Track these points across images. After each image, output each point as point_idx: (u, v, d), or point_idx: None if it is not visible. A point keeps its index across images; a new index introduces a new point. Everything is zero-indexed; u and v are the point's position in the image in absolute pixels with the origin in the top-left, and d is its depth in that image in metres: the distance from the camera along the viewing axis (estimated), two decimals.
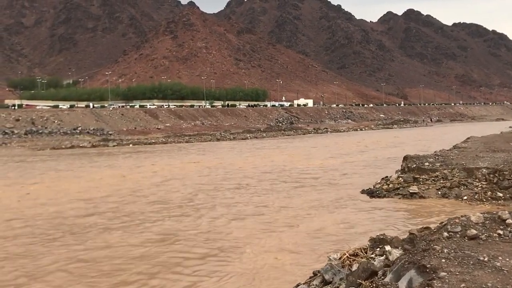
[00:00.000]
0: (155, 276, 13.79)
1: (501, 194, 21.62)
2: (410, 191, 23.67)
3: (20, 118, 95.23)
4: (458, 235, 8.49)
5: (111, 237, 18.21)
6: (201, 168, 41.73)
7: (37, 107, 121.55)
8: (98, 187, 31.63)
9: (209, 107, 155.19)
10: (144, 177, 36.42)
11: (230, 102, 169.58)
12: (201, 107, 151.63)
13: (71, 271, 14.35)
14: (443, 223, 9.14)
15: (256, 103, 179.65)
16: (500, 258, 7.40)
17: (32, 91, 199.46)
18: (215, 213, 22.51)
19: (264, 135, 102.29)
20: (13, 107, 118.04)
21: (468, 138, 44.79)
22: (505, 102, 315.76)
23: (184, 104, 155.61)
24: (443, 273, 6.89)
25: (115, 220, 21.28)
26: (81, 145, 77.59)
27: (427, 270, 7.11)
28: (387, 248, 9.12)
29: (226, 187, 30.76)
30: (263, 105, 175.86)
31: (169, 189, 30.26)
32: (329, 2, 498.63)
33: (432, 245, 8.08)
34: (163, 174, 38.03)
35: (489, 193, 21.95)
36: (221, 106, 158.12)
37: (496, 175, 22.79)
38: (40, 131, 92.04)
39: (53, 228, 19.97)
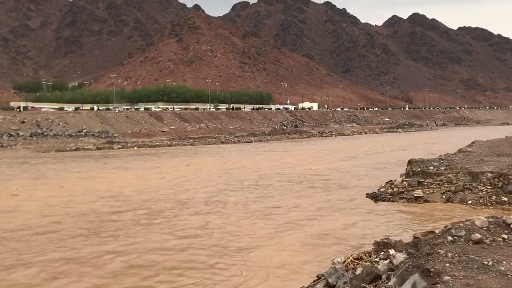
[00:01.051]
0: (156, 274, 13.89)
1: (506, 199, 21.56)
2: (415, 195, 23.63)
3: (26, 120, 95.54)
4: (462, 239, 8.48)
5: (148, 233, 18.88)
6: (216, 170, 42.15)
7: (43, 110, 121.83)
8: (125, 187, 32.47)
9: (214, 110, 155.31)
10: (164, 178, 37.41)
11: (235, 105, 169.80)
12: (205, 110, 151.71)
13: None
14: (448, 227, 9.12)
15: (260, 106, 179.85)
16: (504, 262, 7.38)
17: (38, 94, 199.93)
18: (231, 212, 23.23)
19: (269, 138, 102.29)
20: (18, 109, 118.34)
21: (473, 142, 44.66)
22: (510, 106, 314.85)
23: (189, 107, 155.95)
24: (447, 277, 6.88)
25: (148, 217, 21.99)
26: (86, 147, 77.71)
27: (431, 274, 7.11)
28: (391, 252, 9.12)
29: (241, 187, 31.53)
30: (268, 108, 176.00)
31: (188, 189, 30.60)
32: (334, 5, 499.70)
33: (436, 249, 8.07)
34: (180, 176, 38.40)
35: (493, 197, 21.90)
36: (225, 109, 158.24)
37: (501, 179, 22.74)
38: (45, 133, 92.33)
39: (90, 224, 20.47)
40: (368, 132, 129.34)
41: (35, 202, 26.77)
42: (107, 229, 19.89)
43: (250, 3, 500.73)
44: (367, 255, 10.10)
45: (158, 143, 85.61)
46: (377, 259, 9.45)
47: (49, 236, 18.80)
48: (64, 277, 14.04)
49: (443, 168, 26.08)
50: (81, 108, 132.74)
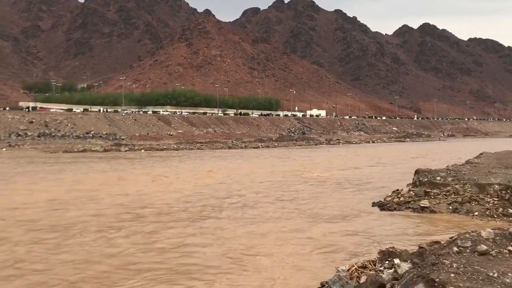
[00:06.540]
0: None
1: None
2: (421, 205, 23.52)
3: (34, 120, 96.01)
4: (468, 250, 8.44)
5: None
6: (240, 173, 42.92)
7: (51, 110, 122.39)
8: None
9: (222, 115, 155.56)
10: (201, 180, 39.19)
11: (243, 111, 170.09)
12: (213, 114, 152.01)
13: None
14: (453, 238, 9.09)
15: (268, 112, 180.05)
16: (510, 274, 7.34)
17: (47, 94, 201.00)
18: (251, 213, 24.09)
19: (276, 144, 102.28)
20: (27, 110, 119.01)
21: (481, 154, 44.50)
22: None
23: (197, 111, 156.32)
24: None
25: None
26: (93, 149, 77.94)
27: (436, 285, 7.07)
28: (396, 261, 9.08)
29: (263, 190, 32.95)
30: (276, 115, 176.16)
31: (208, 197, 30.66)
32: (345, 13, 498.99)
33: (441, 259, 8.04)
34: (213, 182, 38.47)
35: (500, 209, 21.76)
36: (233, 114, 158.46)
37: (508, 191, 22.61)
38: (53, 134, 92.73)
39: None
40: (375, 141, 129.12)
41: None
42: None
43: (261, 9, 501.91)
44: (371, 263, 10.06)
45: (165, 147, 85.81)
46: (381, 268, 9.42)
47: None
48: None
49: (450, 179, 25.99)
50: (89, 109, 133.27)
